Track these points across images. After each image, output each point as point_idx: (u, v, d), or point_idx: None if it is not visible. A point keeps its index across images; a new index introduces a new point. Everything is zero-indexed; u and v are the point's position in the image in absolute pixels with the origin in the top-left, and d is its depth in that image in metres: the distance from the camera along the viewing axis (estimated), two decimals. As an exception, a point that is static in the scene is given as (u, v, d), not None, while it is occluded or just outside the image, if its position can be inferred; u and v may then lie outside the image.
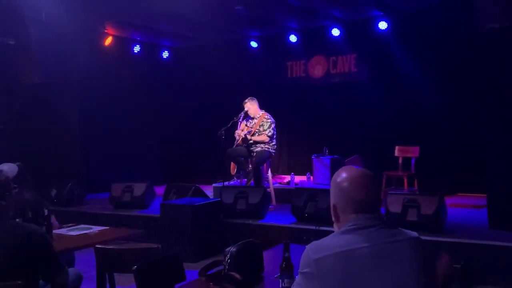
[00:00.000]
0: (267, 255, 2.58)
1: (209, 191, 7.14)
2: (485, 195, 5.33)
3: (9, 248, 2.19)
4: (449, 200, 5.66)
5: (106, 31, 8.62)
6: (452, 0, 7.01)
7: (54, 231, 3.36)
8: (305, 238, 5.03)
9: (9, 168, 3.33)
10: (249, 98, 6.76)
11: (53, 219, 3.43)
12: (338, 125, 8.37)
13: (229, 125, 6.65)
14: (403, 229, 1.67)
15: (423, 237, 1.69)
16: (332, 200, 1.71)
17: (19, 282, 2.10)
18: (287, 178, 7.89)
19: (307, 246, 1.61)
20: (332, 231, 1.72)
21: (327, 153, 7.63)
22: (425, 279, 1.57)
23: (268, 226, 5.66)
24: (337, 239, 1.61)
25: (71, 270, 2.84)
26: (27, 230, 2.30)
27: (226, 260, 2.28)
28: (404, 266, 1.56)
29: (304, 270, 1.57)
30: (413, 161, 6.94)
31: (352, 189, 1.65)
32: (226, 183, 6.71)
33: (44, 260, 2.31)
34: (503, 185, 5.01)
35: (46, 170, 7.21)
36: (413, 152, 6.97)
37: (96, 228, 3.70)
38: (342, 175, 1.70)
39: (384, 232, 1.61)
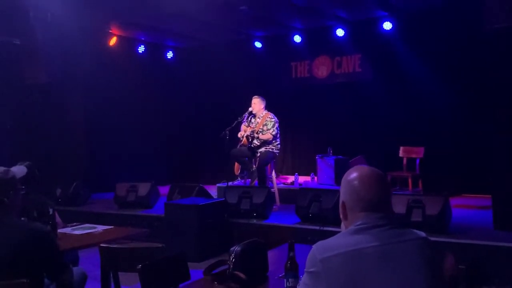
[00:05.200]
0: (271, 254, 2.57)
1: (213, 191, 7.15)
2: (490, 195, 5.30)
3: (14, 247, 2.19)
4: (453, 201, 5.65)
5: (111, 31, 8.64)
6: (457, 0, 6.98)
7: (58, 230, 3.37)
8: (309, 238, 5.02)
9: (18, 169, 3.35)
10: (260, 96, 6.78)
11: (57, 218, 3.44)
12: (343, 126, 8.35)
13: (233, 125, 6.65)
14: (411, 229, 1.65)
15: (427, 238, 1.68)
16: (342, 197, 1.71)
17: (24, 280, 2.10)
18: (291, 178, 7.88)
19: (314, 246, 1.60)
20: (336, 232, 1.71)
21: (331, 154, 7.62)
22: (432, 279, 1.55)
23: (272, 226, 5.66)
24: (344, 239, 1.60)
25: (75, 269, 2.84)
26: (32, 229, 2.31)
27: (231, 259, 2.28)
28: (412, 266, 1.54)
29: (310, 270, 1.56)
30: (417, 161, 6.92)
31: (362, 188, 1.64)
32: (230, 183, 6.70)
33: (49, 259, 2.31)
34: (508, 185, 4.99)
35: (51, 169, 7.22)
36: (418, 152, 6.95)
37: (100, 228, 3.70)
38: (354, 173, 1.69)
39: (392, 232, 1.60)
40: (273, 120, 6.64)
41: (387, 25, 7.69)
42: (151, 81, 9.34)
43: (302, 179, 7.81)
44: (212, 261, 2.55)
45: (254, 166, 6.71)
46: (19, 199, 2.43)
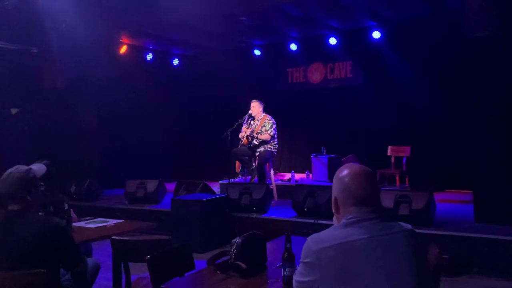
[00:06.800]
0: (270, 246, 2.57)
1: (215, 187, 7.14)
2: (471, 191, 5.32)
3: (33, 240, 2.19)
4: (438, 196, 5.64)
5: (121, 40, 8.64)
6: (441, 11, 6.98)
7: (73, 224, 3.37)
8: (305, 231, 5.02)
9: (38, 168, 3.34)
10: (258, 100, 6.79)
11: (72, 213, 3.43)
12: (335, 127, 8.35)
13: (234, 127, 6.65)
14: (399, 222, 1.65)
15: (413, 230, 1.68)
16: (334, 193, 1.71)
17: (42, 270, 2.10)
18: (288, 175, 7.87)
19: (308, 238, 1.60)
20: (329, 224, 1.71)
21: (325, 153, 7.62)
22: (418, 268, 1.55)
23: (271, 220, 5.66)
24: (337, 231, 1.60)
25: (89, 260, 2.83)
26: (50, 223, 2.30)
27: (232, 250, 2.28)
28: (399, 256, 1.54)
29: (305, 260, 1.57)
30: (404, 160, 6.92)
31: (352, 184, 1.64)
32: (231, 180, 6.70)
33: (65, 251, 2.31)
34: (487, 182, 5.00)
35: (67, 167, 7.21)
36: (405, 151, 6.96)
37: (112, 221, 3.69)
38: (345, 170, 1.69)
39: (381, 225, 1.60)
40: (271, 121, 6.64)
41: (376, 34, 7.69)
42: (159, 86, 9.33)
43: (298, 176, 7.81)
44: (215, 252, 2.55)
45: (253, 164, 6.71)
46: (39, 195, 2.43)
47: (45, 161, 3.55)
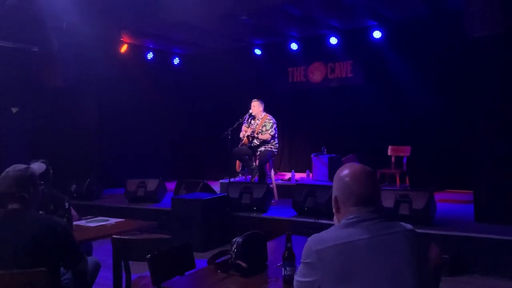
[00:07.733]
0: (270, 245, 2.57)
1: (216, 186, 7.13)
2: (472, 191, 5.31)
3: (33, 238, 2.18)
4: (438, 196, 5.64)
5: (122, 39, 8.63)
6: (442, 11, 6.98)
7: (74, 223, 3.36)
8: (305, 230, 5.01)
9: (38, 166, 3.36)
10: (259, 99, 6.78)
11: (73, 212, 3.43)
12: (336, 126, 8.35)
13: (234, 126, 6.64)
14: (399, 222, 1.65)
15: (413, 230, 1.67)
16: (335, 193, 1.70)
17: (42, 269, 2.10)
18: (288, 175, 7.87)
19: (309, 238, 1.59)
20: (330, 224, 1.70)
21: (325, 152, 7.62)
22: (419, 268, 1.54)
23: (271, 219, 5.65)
24: (337, 232, 1.59)
25: (89, 259, 2.83)
26: (50, 222, 2.30)
27: (233, 249, 2.27)
28: (400, 256, 1.54)
29: (306, 260, 1.56)
30: (404, 159, 6.92)
31: (353, 184, 1.64)
32: (232, 179, 6.70)
33: (65, 250, 2.30)
34: (487, 182, 5.00)
35: (67, 166, 7.21)
36: (405, 151, 6.95)
37: (112, 220, 3.69)
38: (345, 170, 1.69)
39: (382, 225, 1.59)
40: (271, 121, 6.63)
41: (377, 34, 7.68)
42: (159, 85, 9.33)
43: (298, 175, 7.80)
44: (215, 251, 2.54)
45: (254, 164, 6.71)
46: (38, 194, 2.42)
47: (42, 160, 3.56)
